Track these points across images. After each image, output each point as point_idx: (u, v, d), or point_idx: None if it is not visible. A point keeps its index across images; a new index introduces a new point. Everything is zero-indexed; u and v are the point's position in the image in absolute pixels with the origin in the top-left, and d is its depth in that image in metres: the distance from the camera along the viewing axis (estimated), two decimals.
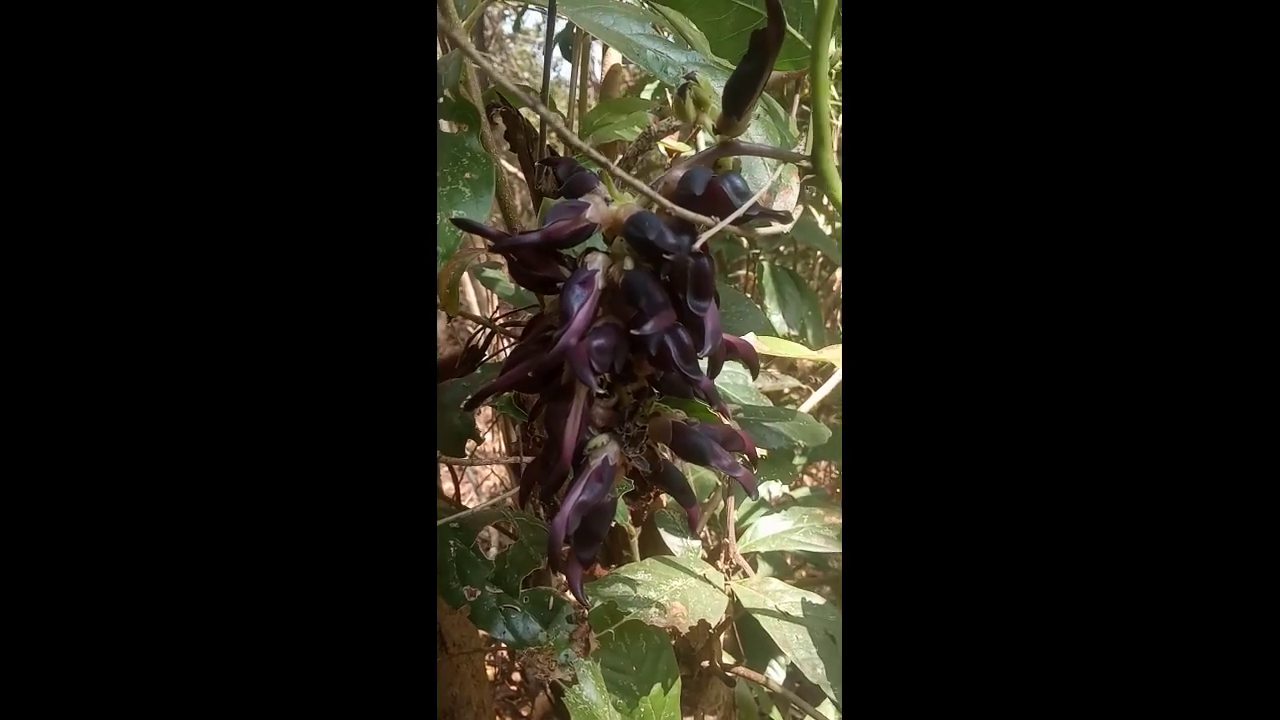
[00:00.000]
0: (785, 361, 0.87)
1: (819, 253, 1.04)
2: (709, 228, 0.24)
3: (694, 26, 0.38)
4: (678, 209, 0.24)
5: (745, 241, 0.92)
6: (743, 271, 1.02)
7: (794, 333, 0.78)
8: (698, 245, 0.24)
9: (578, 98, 0.47)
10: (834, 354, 0.41)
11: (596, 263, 0.26)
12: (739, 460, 0.28)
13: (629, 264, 0.26)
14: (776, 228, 0.27)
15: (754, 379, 0.31)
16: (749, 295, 0.90)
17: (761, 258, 0.83)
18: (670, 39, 0.37)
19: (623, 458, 0.27)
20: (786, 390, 0.81)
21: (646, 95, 0.77)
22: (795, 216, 0.28)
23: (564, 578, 0.27)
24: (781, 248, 1.08)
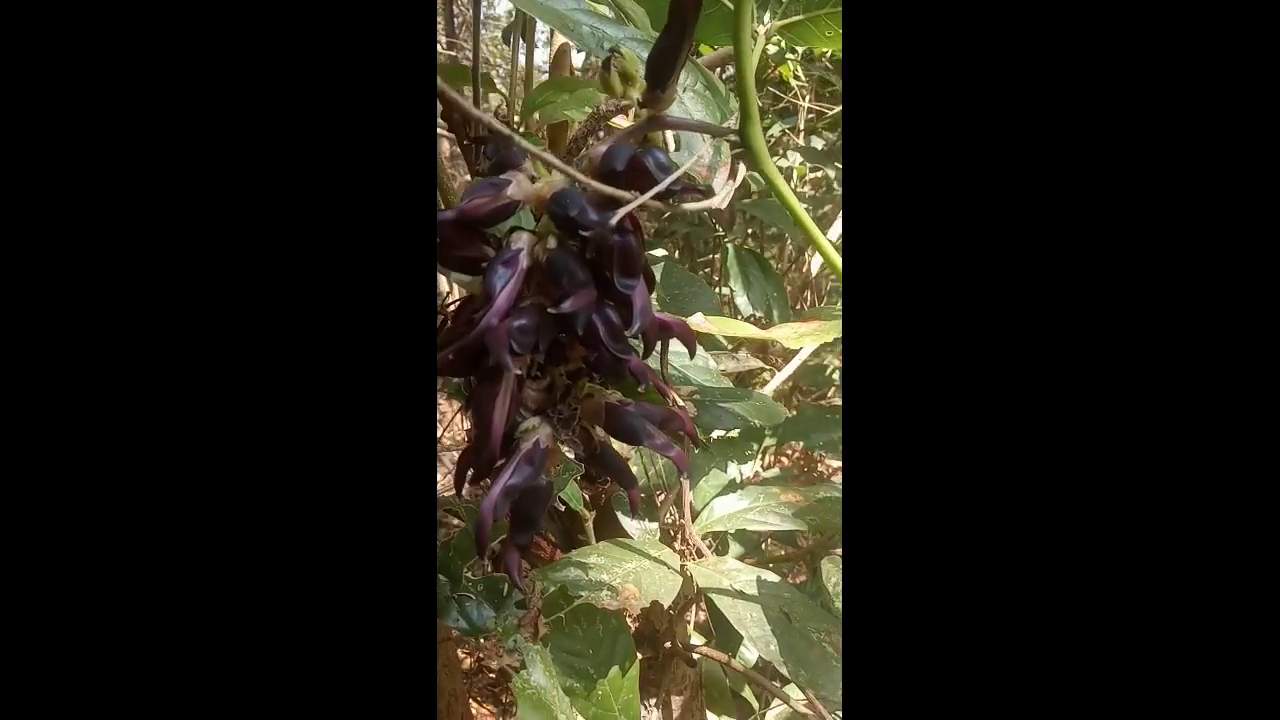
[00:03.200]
0: (754, 343, 0.87)
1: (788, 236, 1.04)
2: (630, 203, 0.24)
3: (632, 2, 0.37)
4: (596, 185, 0.23)
5: (718, 225, 0.91)
6: (714, 255, 1.02)
7: (759, 314, 0.78)
8: (615, 220, 0.23)
9: (523, 77, 0.46)
10: (781, 333, 0.41)
11: (521, 242, 0.25)
12: (672, 440, 0.28)
13: (553, 242, 0.25)
14: (705, 203, 0.26)
15: (691, 357, 0.31)
16: (716, 278, 0.90)
17: (727, 240, 0.83)
18: (609, 14, 0.36)
19: (554, 440, 0.27)
20: (759, 371, 0.81)
21: None
22: (727, 192, 0.28)
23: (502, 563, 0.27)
24: (750, 230, 1.08)
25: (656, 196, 0.24)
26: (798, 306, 1.13)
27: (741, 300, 0.77)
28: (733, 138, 0.28)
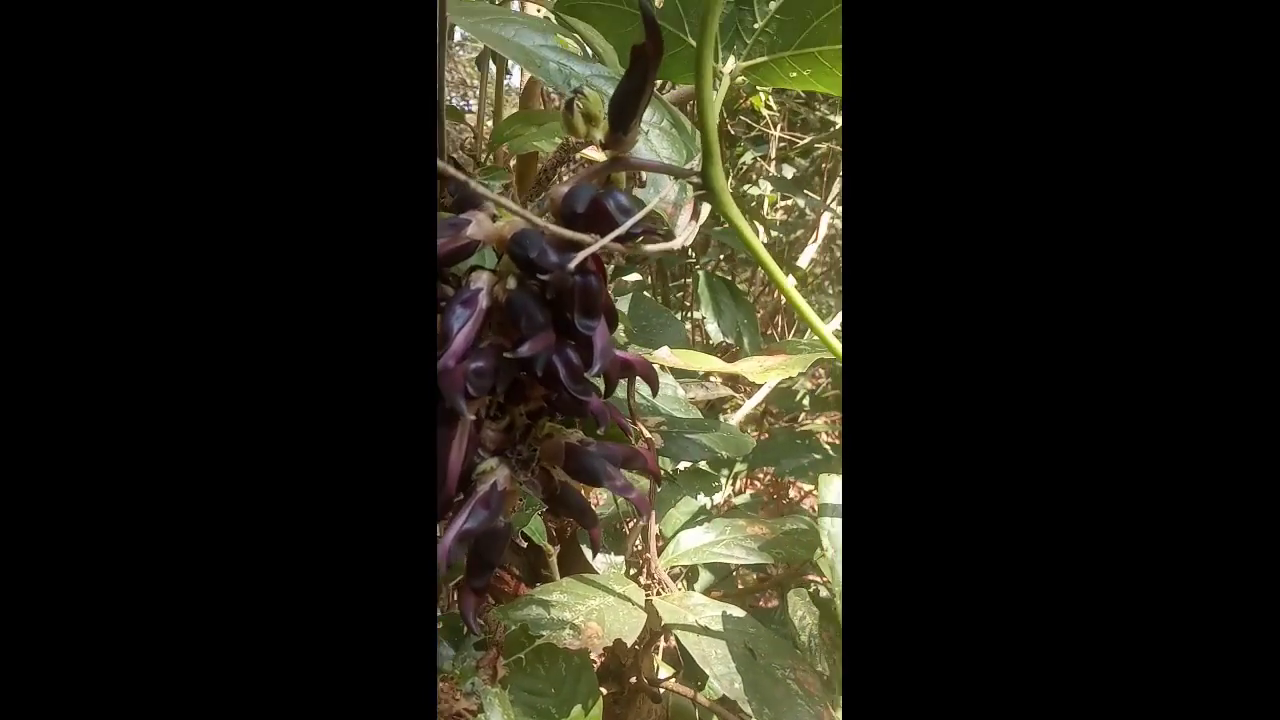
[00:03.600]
0: (726, 373, 0.88)
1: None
2: (590, 245, 0.24)
3: (601, 39, 0.37)
4: (553, 228, 0.23)
5: (690, 252, 0.92)
6: (687, 280, 1.02)
7: (729, 341, 0.78)
8: (574, 264, 0.23)
9: (492, 106, 0.46)
10: (747, 366, 0.41)
11: (481, 281, 0.25)
12: (632, 481, 0.28)
13: (513, 283, 0.25)
14: (665, 245, 0.26)
15: (654, 395, 0.31)
16: (687, 304, 0.90)
17: (698, 267, 0.84)
18: (578, 50, 0.37)
19: (513, 481, 0.27)
20: (730, 398, 0.81)
21: None
22: (689, 232, 0.28)
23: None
24: (721, 257, 1.09)
25: (617, 239, 0.24)
26: (768, 332, 1.14)
27: (712, 327, 0.77)
28: (695, 179, 0.28)
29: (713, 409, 0.81)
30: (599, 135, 0.28)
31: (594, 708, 0.41)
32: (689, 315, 0.94)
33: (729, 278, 0.90)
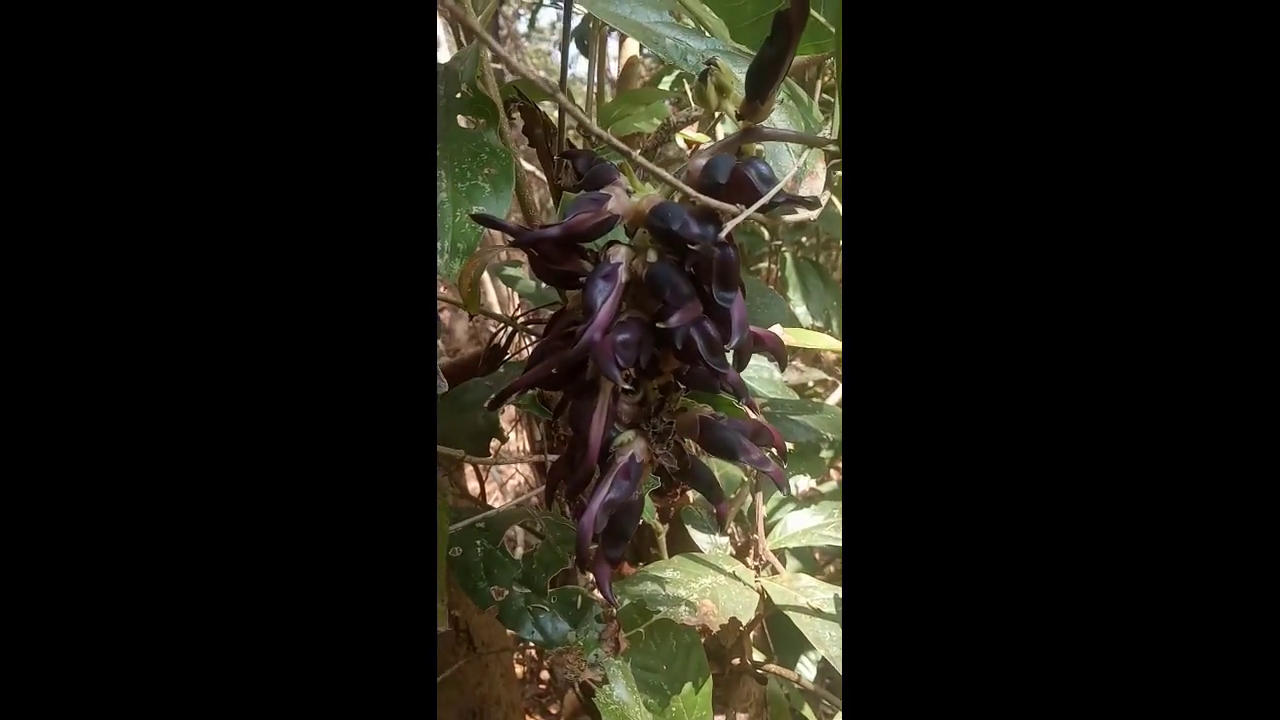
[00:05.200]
0: (810, 353, 0.86)
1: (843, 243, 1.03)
2: (734, 216, 0.23)
3: (712, 13, 0.37)
4: (702, 198, 0.23)
5: (767, 233, 0.91)
6: (765, 264, 1.01)
7: (818, 324, 0.77)
8: (723, 235, 0.23)
9: (595, 90, 0.46)
10: None
11: (619, 256, 0.25)
12: (768, 455, 0.27)
13: (652, 256, 0.25)
14: (803, 214, 0.26)
15: (781, 371, 0.30)
16: (772, 287, 0.89)
17: (784, 249, 0.82)
18: (690, 26, 0.36)
19: (650, 454, 0.27)
20: (811, 383, 0.80)
21: (664, 87, 0.76)
22: (823, 202, 0.28)
23: (592, 577, 0.27)
24: (804, 238, 1.06)
25: (759, 209, 0.24)
26: None
27: (800, 310, 0.76)
28: (831, 147, 0.27)
29: (798, 393, 0.80)
30: (731, 106, 0.27)
31: (704, 686, 0.41)
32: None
33: (815, 259, 0.88)
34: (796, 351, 0.71)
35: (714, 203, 0.23)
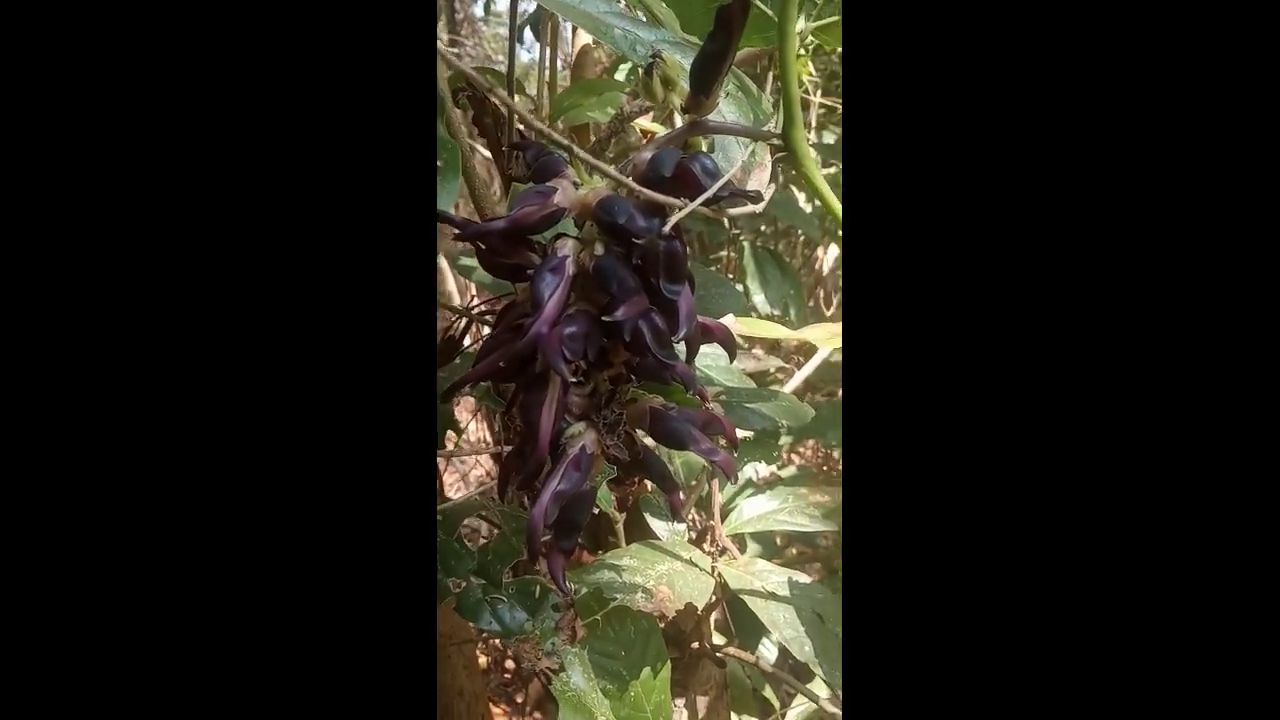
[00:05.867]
0: (768, 341, 0.87)
1: (800, 231, 1.04)
2: (679, 210, 0.24)
3: (663, 4, 0.37)
4: (646, 191, 0.23)
5: (726, 222, 0.91)
6: (724, 252, 1.02)
7: (776, 313, 0.78)
8: (667, 228, 0.23)
9: (547, 79, 0.46)
10: (814, 334, 0.41)
11: (567, 248, 0.26)
12: (718, 444, 0.28)
13: (599, 249, 0.25)
14: (749, 208, 0.26)
15: (731, 361, 0.31)
16: (730, 276, 0.89)
17: (742, 238, 0.83)
18: (641, 17, 0.36)
19: (600, 445, 0.27)
20: (772, 370, 0.81)
21: (620, 76, 0.76)
22: (767, 195, 0.28)
23: (545, 567, 0.27)
24: (762, 226, 1.07)
25: (704, 203, 0.24)
26: (810, 304, 1.13)
27: (759, 299, 0.76)
28: (775, 141, 0.28)
29: (756, 381, 0.81)
30: (677, 100, 0.28)
31: (662, 670, 0.42)
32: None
33: (773, 248, 0.89)
34: (755, 340, 0.72)
35: (658, 197, 0.23)
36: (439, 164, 0.27)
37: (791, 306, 0.79)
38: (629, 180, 0.23)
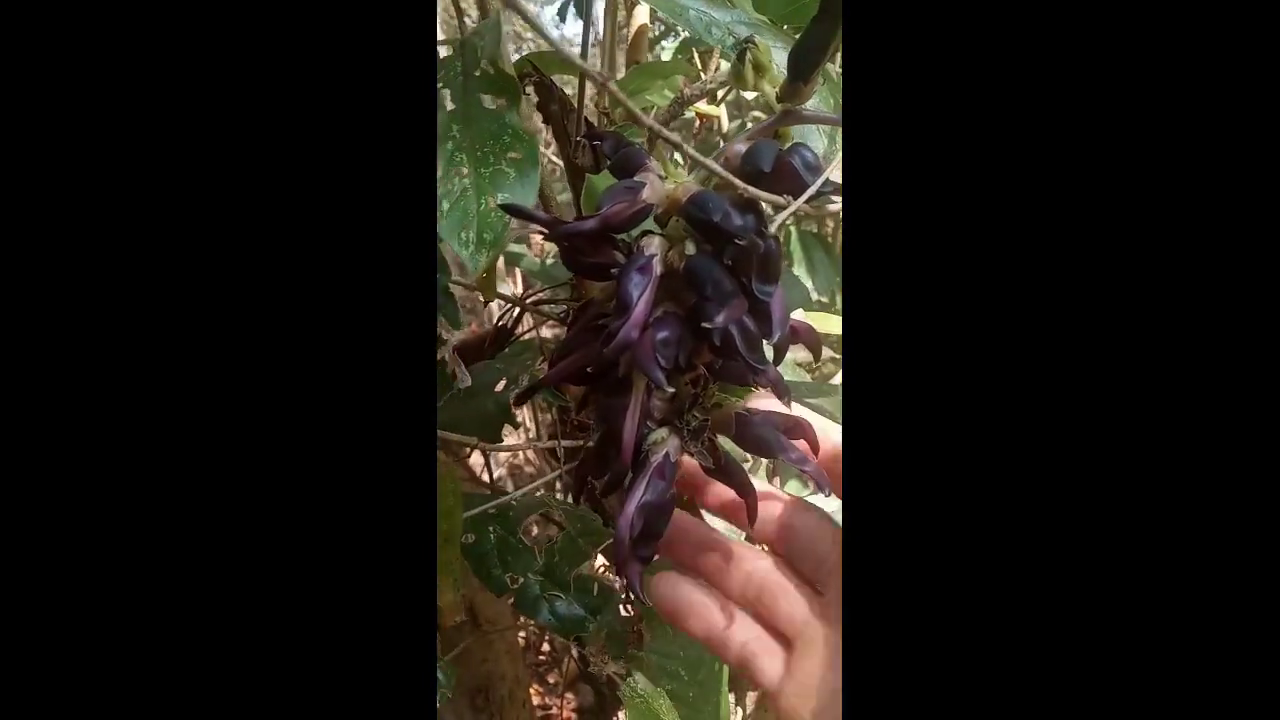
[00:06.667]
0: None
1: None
2: (781, 208, 0.22)
3: None
4: (750, 189, 0.22)
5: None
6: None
7: (824, 300, 0.76)
8: (774, 227, 0.22)
9: (608, 61, 0.44)
10: None
11: (654, 247, 0.24)
12: (807, 453, 0.27)
13: (690, 248, 0.24)
14: (838, 204, 0.25)
15: (816, 361, 0.29)
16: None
17: (788, 222, 0.81)
18: None
19: (684, 451, 0.26)
20: (816, 363, 0.79)
21: (665, 55, 0.73)
22: None
23: (624, 575, 0.26)
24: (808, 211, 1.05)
25: (807, 199, 0.23)
26: None
27: (807, 285, 0.75)
28: None
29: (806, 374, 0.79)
30: (769, 87, 0.26)
31: (721, 670, 0.41)
32: None
33: (817, 231, 0.87)
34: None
35: (763, 195, 0.22)
36: (517, 157, 0.26)
37: (838, 292, 0.77)
38: (734, 177, 0.22)
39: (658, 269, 0.24)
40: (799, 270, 0.76)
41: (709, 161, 0.22)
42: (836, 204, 0.25)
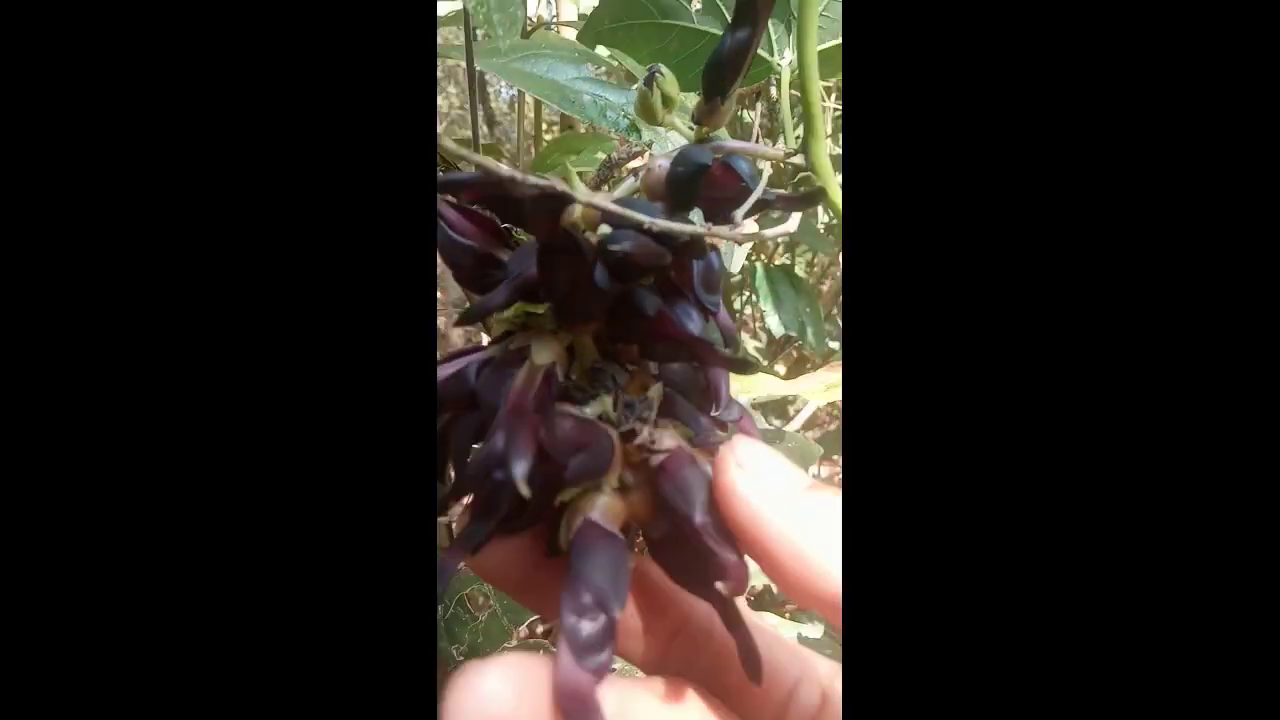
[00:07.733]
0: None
1: (813, 250, 1.01)
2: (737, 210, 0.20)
3: (633, 61, 0.34)
4: (659, 222, 0.19)
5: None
6: (735, 275, 0.98)
7: (792, 334, 0.74)
8: (741, 214, 0.19)
9: (529, 133, 0.42)
10: (808, 385, 0.36)
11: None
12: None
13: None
14: (780, 229, 0.22)
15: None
16: (746, 295, 0.86)
17: (754, 258, 0.79)
18: (607, 79, 0.33)
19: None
20: (792, 399, 0.77)
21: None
22: (798, 218, 0.24)
23: None
24: (774, 244, 1.04)
25: (748, 212, 0.20)
26: (833, 313, 1.08)
27: (773, 320, 0.73)
28: (796, 160, 0.24)
29: (773, 409, 0.76)
30: (678, 120, 0.24)
31: None
32: (742, 308, 0.89)
33: (787, 263, 0.85)
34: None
35: (675, 226, 0.19)
36: None
37: (809, 325, 0.75)
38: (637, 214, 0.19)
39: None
40: (765, 305, 0.74)
41: (603, 201, 0.19)
42: (773, 230, 0.23)
